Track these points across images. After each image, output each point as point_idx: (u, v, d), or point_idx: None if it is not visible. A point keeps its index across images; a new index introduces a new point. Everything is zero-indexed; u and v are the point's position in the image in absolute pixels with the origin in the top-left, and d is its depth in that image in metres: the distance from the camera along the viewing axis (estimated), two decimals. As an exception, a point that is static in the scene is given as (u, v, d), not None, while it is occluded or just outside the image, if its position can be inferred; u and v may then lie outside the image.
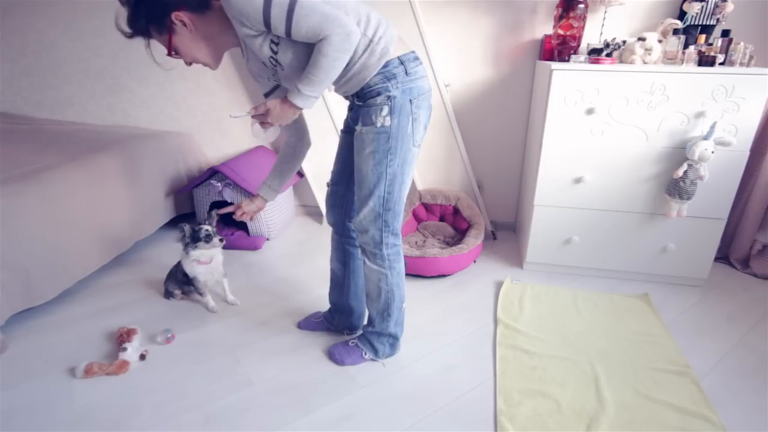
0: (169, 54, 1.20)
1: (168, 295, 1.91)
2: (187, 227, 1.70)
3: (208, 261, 1.77)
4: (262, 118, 1.26)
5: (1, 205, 1.62)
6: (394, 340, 1.55)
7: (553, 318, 1.79)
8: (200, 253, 1.73)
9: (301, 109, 1.22)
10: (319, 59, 1.10)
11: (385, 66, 1.21)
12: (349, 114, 1.40)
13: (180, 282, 1.86)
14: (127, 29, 1.17)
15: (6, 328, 1.66)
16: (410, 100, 1.24)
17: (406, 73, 1.23)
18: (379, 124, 1.24)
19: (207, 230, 1.71)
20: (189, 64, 1.26)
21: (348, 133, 1.42)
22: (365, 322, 1.64)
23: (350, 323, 1.68)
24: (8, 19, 2.73)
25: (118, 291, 1.99)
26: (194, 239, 1.70)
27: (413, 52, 1.27)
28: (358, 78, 1.23)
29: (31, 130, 2.63)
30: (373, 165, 1.27)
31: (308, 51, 1.14)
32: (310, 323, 1.74)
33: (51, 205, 1.78)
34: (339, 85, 1.30)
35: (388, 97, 1.22)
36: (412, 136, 1.27)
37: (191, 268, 1.76)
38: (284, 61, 1.19)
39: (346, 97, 1.38)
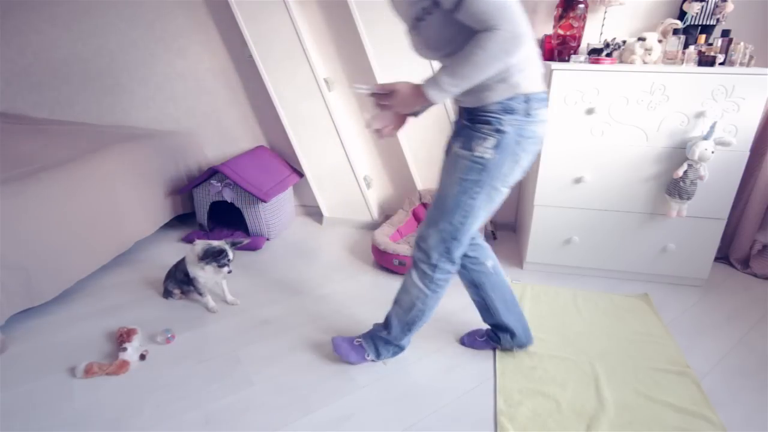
0: None
1: (167, 294, 1.91)
2: (217, 247, 1.72)
3: (209, 273, 1.79)
4: (382, 99, 1.15)
5: (1, 205, 1.62)
6: (398, 350, 1.52)
7: (553, 318, 1.79)
8: (209, 268, 1.76)
9: (430, 103, 1.10)
10: (475, 52, 0.99)
11: (509, 98, 1.11)
12: (455, 126, 1.32)
13: (179, 281, 1.86)
14: None
15: (6, 328, 1.66)
16: (519, 141, 1.14)
17: (527, 113, 1.13)
18: (477, 153, 1.15)
19: (228, 260, 1.74)
20: None
21: (449, 150, 1.33)
22: (389, 328, 1.48)
23: (518, 342, 1.55)
24: (8, 19, 2.73)
25: (118, 291, 1.99)
26: (213, 257, 1.72)
27: (545, 92, 1.17)
28: (478, 96, 1.14)
29: (31, 130, 2.63)
30: (456, 191, 1.20)
31: (452, 38, 1.04)
32: (475, 341, 1.63)
33: (51, 205, 1.78)
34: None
35: (498, 131, 1.13)
36: (506, 176, 1.18)
37: (194, 270, 1.77)
38: (425, 33, 1.10)
39: (459, 110, 1.29)
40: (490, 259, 1.49)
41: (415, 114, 1.35)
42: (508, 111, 1.12)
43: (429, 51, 1.14)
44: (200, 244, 1.75)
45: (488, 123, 1.14)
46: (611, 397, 1.39)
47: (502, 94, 1.11)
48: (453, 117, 1.30)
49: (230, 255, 1.75)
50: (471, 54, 1.00)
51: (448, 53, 1.10)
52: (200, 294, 1.82)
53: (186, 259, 1.80)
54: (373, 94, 1.16)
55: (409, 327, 1.44)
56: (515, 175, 1.21)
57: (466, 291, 1.55)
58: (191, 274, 1.78)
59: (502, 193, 1.23)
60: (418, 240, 1.33)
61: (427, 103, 1.12)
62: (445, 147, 1.35)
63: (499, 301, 1.50)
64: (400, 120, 1.31)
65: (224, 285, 1.89)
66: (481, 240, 1.50)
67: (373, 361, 1.53)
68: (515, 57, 1.01)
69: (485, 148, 1.15)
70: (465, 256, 1.45)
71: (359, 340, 1.54)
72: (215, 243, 1.74)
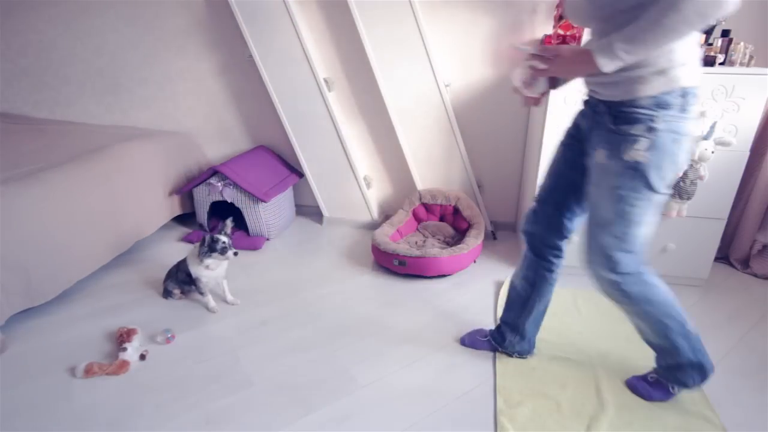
0: None
1: (167, 294, 1.91)
2: (207, 237, 1.73)
3: (216, 268, 1.80)
4: (542, 62, 1.06)
5: (2, 205, 1.62)
6: (699, 367, 1.30)
7: (553, 318, 1.79)
8: (213, 261, 1.76)
9: (598, 71, 0.98)
10: (666, 14, 0.86)
11: (665, 92, 1.00)
12: (582, 122, 1.22)
13: (180, 282, 1.86)
14: None
15: (6, 328, 1.66)
16: (675, 139, 1.03)
17: (683, 109, 1.02)
18: (630, 159, 1.04)
19: (224, 242, 1.73)
20: None
21: (570, 146, 1.26)
22: (675, 353, 1.31)
23: (522, 348, 1.54)
24: (8, 19, 2.73)
25: (118, 291, 1.99)
26: (211, 249, 1.72)
27: (698, 86, 1.05)
28: (628, 89, 1.03)
29: (31, 130, 2.63)
30: (613, 202, 1.10)
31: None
32: (476, 341, 1.61)
33: (51, 205, 1.78)
34: (600, 81, 1.08)
35: (651, 129, 1.02)
36: (664, 178, 1.08)
37: (197, 270, 1.77)
38: None
39: (587, 103, 1.19)
40: (558, 273, 1.44)
41: (555, 86, 1.26)
42: (663, 106, 1.01)
43: (596, 11, 1.01)
44: (197, 244, 1.77)
45: (637, 121, 1.03)
46: (611, 397, 1.39)
47: (658, 87, 1.00)
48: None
49: (224, 238, 1.74)
50: (661, 16, 0.87)
51: (619, 15, 0.98)
52: (201, 294, 1.82)
53: (188, 260, 1.80)
54: (533, 56, 1.08)
55: (670, 344, 1.28)
56: (672, 177, 1.10)
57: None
58: (194, 274, 1.78)
59: (664, 195, 1.11)
60: (589, 269, 1.23)
61: (589, 71, 1.01)
62: (561, 146, 1.29)
63: (537, 309, 1.48)
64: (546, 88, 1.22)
65: (225, 285, 1.89)
66: (563, 254, 1.41)
67: (681, 390, 1.38)
68: (709, 23, 0.88)
69: (637, 152, 1.04)
70: (548, 259, 1.39)
71: (653, 376, 1.41)
72: (210, 238, 1.74)
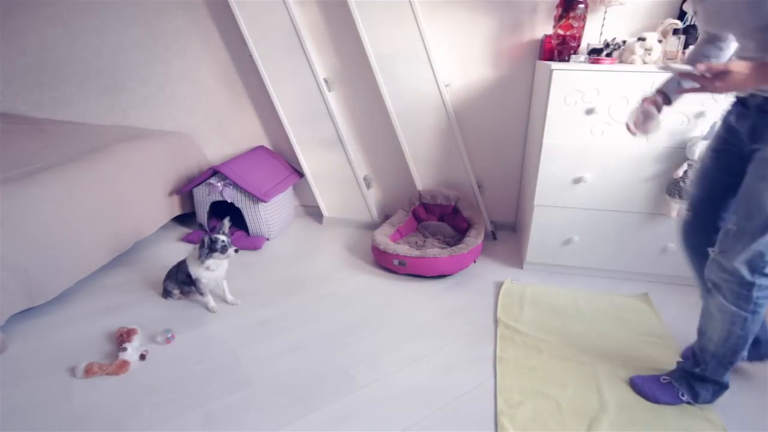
0: None
1: (166, 294, 1.91)
2: (206, 239, 1.73)
3: (217, 268, 1.79)
4: (704, 82, 1.02)
5: (1, 205, 1.62)
6: (720, 389, 1.32)
7: (553, 318, 1.79)
8: (213, 262, 1.76)
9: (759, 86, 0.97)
10: None
11: None
12: (738, 123, 1.18)
13: (180, 282, 1.86)
14: None
15: (6, 328, 1.66)
16: None
17: None
18: None
19: (223, 241, 1.73)
20: None
21: (726, 151, 1.22)
22: (702, 363, 1.32)
23: (759, 353, 1.45)
24: (8, 19, 2.73)
25: (118, 291, 1.99)
26: (211, 250, 1.72)
27: None
28: None
29: (31, 130, 2.63)
30: None
31: None
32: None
33: (51, 205, 1.78)
34: None
35: None
36: None
37: (197, 271, 1.77)
38: None
39: (744, 103, 1.16)
40: None
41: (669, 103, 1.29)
42: None
43: (759, 20, 0.98)
44: (196, 246, 1.77)
45: None
46: (612, 397, 1.39)
47: None
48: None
49: (223, 237, 1.74)
50: None
51: None
52: (201, 294, 1.82)
53: (187, 261, 1.80)
54: (688, 75, 1.05)
55: (729, 359, 1.27)
56: None
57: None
58: (194, 275, 1.78)
59: None
60: (719, 259, 1.18)
61: (762, 86, 1.00)
62: (710, 153, 1.26)
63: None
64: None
65: (225, 285, 1.89)
66: None
67: (689, 403, 1.36)
68: None
69: None
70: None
71: (666, 378, 1.40)
72: (208, 239, 1.73)
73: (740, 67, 0.98)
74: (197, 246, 1.76)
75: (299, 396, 1.41)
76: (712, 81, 1.01)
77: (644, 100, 1.31)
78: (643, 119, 1.28)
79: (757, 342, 1.43)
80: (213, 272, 1.79)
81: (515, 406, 1.36)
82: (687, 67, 1.04)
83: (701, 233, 1.34)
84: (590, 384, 1.45)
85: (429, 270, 2.04)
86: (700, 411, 1.34)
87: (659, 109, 1.30)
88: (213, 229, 2.55)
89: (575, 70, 1.77)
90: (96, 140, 2.37)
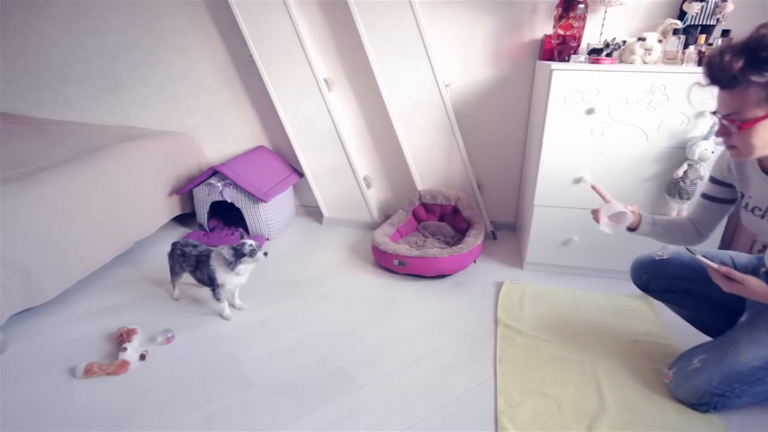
0: (733, 123, 1.01)
1: (174, 275, 1.88)
2: (226, 250, 1.67)
3: (245, 273, 1.75)
4: (717, 277, 1.16)
5: (1, 205, 1.62)
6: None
7: (553, 318, 1.79)
8: (243, 267, 1.71)
9: None
10: None
11: None
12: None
13: (199, 280, 1.80)
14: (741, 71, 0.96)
15: (6, 328, 1.66)
16: None
17: None
18: None
19: (251, 245, 1.68)
20: (731, 147, 1.06)
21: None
22: None
23: None
24: (8, 19, 2.73)
25: (118, 291, 1.99)
26: (240, 255, 1.67)
27: None
28: None
29: (31, 130, 2.63)
30: None
31: None
32: None
33: (51, 205, 1.78)
34: None
35: None
36: None
37: (224, 277, 1.72)
38: None
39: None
40: None
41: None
42: None
43: None
44: (225, 251, 1.68)
45: None
46: (612, 397, 1.39)
47: None
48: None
49: (250, 241, 1.69)
50: None
51: None
52: (218, 300, 1.77)
53: (214, 267, 1.72)
54: (714, 270, 1.19)
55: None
56: None
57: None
58: (219, 281, 1.72)
59: None
60: (671, 387, 1.29)
61: None
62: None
63: None
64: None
65: (237, 290, 1.86)
66: None
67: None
68: None
69: None
70: None
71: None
72: (235, 246, 1.68)
73: (756, 287, 1.10)
74: (222, 252, 1.69)
75: (299, 396, 1.41)
76: (725, 280, 1.14)
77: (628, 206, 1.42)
78: (616, 219, 1.42)
79: None
80: (240, 277, 1.75)
81: (515, 406, 1.36)
82: (712, 264, 1.19)
83: (663, 278, 1.48)
84: (590, 384, 1.45)
85: (429, 270, 2.04)
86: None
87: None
88: (213, 229, 2.55)
89: (575, 70, 1.77)
90: (96, 140, 2.37)
